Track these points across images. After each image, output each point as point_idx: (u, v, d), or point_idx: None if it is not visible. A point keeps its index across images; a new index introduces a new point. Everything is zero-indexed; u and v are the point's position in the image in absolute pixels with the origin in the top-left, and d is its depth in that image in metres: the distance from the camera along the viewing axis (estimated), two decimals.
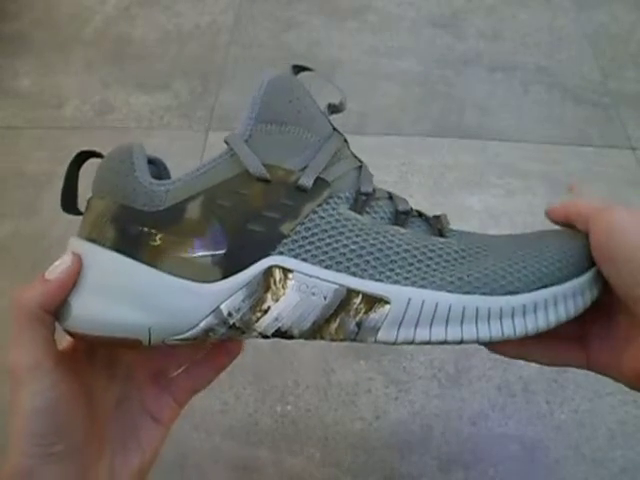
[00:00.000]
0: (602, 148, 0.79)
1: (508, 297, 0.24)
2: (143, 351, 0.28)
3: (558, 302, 0.25)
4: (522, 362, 0.59)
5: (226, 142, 0.26)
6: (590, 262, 0.25)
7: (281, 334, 0.25)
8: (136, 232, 0.25)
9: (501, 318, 0.24)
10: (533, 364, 0.61)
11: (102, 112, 0.86)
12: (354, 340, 0.25)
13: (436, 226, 0.27)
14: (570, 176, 0.75)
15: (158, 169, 0.30)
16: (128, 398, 0.28)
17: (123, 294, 0.24)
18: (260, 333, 0.25)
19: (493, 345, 0.28)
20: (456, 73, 0.88)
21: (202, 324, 0.24)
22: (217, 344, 0.30)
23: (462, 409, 0.57)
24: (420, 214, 0.28)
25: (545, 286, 0.24)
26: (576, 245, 0.26)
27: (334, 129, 0.28)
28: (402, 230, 0.26)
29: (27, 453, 0.22)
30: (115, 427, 0.27)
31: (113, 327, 0.24)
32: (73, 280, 0.25)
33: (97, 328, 0.24)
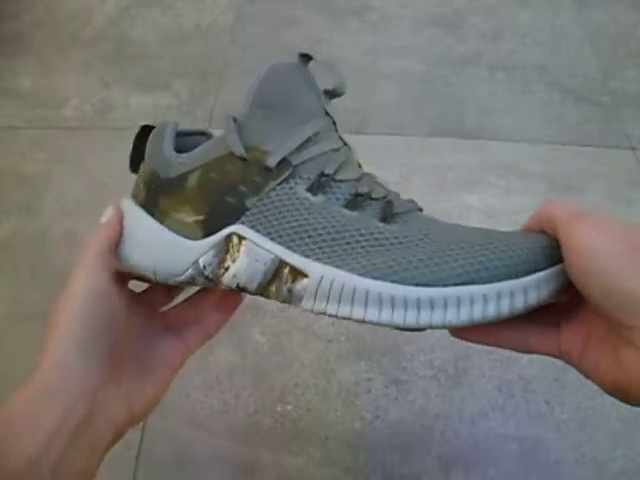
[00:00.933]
0: (602, 148, 0.79)
1: (417, 288, 0.24)
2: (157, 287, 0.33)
3: (475, 302, 0.24)
4: (522, 362, 0.60)
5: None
6: (535, 266, 0.24)
7: (240, 289, 0.28)
8: (155, 194, 0.31)
9: (406, 307, 0.25)
10: (533, 364, 0.61)
11: (102, 112, 0.86)
12: (291, 303, 0.28)
13: (385, 211, 0.28)
14: (570, 176, 0.75)
15: (197, 141, 0.33)
16: (147, 337, 0.31)
17: (140, 242, 0.31)
18: (227, 285, 0.29)
19: (457, 331, 0.28)
20: (456, 73, 0.88)
21: (187, 272, 0.29)
22: (223, 294, 0.33)
23: (462, 409, 0.57)
24: (384, 198, 0.29)
25: (464, 283, 0.24)
26: (525, 246, 0.25)
27: (326, 113, 0.31)
28: (348, 213, 0.27)
29: (64, 350, 0.24)
30: (134, 358, 0.29)
31: (134, 266, 0.31)
32: (119, 225, 0.31)
33: (126, 265, 0.31)
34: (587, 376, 0.25)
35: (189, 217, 0.29)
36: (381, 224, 0.27)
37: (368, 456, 0.55)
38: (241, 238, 0.28)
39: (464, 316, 0.24)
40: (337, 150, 0.30)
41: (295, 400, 0.58)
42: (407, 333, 0.47)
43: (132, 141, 0.37)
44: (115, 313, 0.27)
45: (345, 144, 0.31)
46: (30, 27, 0.99)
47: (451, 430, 0.56)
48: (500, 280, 0.24)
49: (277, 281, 0.27)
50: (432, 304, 0.24)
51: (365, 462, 0.54)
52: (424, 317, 0.25)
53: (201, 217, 0.29)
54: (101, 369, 0.25)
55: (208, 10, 1.00)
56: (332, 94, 0.32)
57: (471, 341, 0.28)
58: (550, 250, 0.25)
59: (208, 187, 0.29)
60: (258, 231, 0.28)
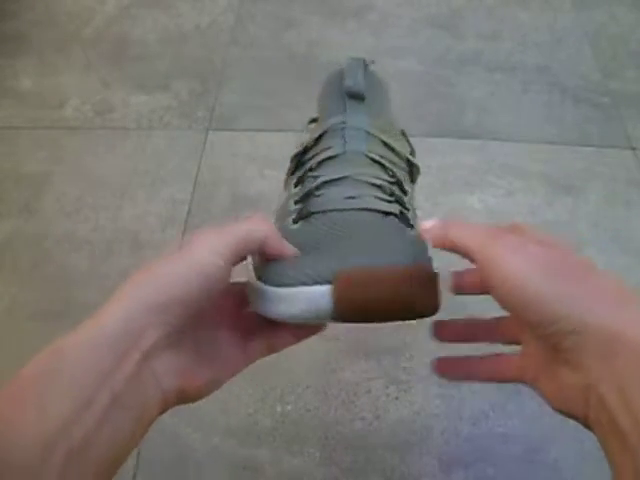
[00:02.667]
0: (602, 148, 0.79)
1: (272, 288, 0.27)
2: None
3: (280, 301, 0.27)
4: None
5: None
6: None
7: None
8: None
9: (271, 301, 0.27)
10: None
11: (102, 112, 0.86)
12: None
13: (301, 212, 0.30)
14: (570, 176, 0.75)
15: None
16: (218, 329, 0.29)
17: None
18: None
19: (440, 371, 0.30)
20: (456, 73, 0.88)
21: None
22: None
23: (462, 409, 0.57)
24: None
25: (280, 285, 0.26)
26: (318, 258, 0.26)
27: (343, 111, 0.33)
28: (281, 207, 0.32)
29: (139, 300, 0.22)
30: (199, 341, 0.27)
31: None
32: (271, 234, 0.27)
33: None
34: (542, 397, 0.26)
35: None
36: (290, 223, 0.30)
37: (368, 456, 0.55)
38: None
39: (283, 310, 0.27)
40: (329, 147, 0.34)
41: (295, 400, 0.58)
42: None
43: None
44: (208, 301, 0.25)
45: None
46: (30, 27, 0.99)
47: (451, 430, 0.56)
48: (293, 286, 0.26)
49: None
50: (276, 300, 0.27)
51: (365, 462, 0.54)
52: (274, 309, 0.27)
53: None
54: (162, 336, 0.23)
55: (208, 10, 1.00)
56: (352, 94, 0.34)
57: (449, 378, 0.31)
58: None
59: None
60: None
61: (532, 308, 0.21)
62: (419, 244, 0.28)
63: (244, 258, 0.27)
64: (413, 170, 0.34)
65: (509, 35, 0.94)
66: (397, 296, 0.25)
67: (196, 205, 0.73)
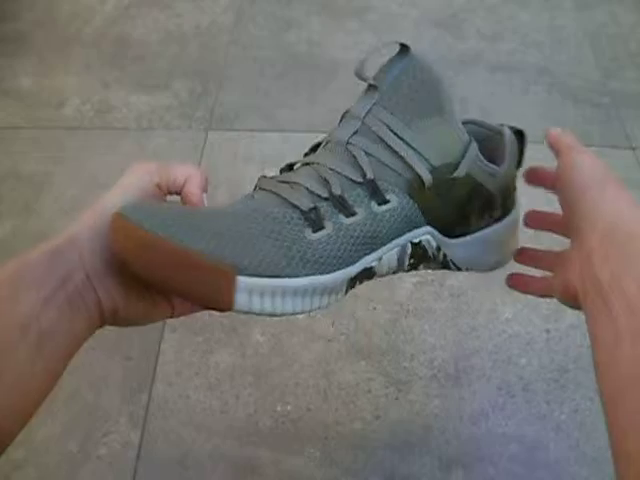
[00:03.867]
0: (602, 148, 0.79)
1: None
2: None
3: None
4: (522, 362, 0.60)
5: None
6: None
7: None
8: None
9: None
10: (533, 364, 0.61)
11: (102, 112, 0.86)
12: None
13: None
14: None
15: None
16: None
17: None
18: None
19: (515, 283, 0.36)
20: (456, 73, 0.88)
21: None
22: None
23: (462, 409, 0.57)
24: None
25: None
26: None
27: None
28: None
29: (84, 223, 0.27)
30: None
31: None
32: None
33: None
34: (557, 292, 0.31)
35: None
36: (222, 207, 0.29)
37: (368, 456, 0.55)
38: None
39: None
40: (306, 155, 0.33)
41: (295, 400, 0.58)
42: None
43: None
44: None
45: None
46: (30, 27, 0.99)
47: (451, 430, 0.56)
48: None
49: None
50: None
51: (365, 462, 0.54)
52: None
53: None
54: (102, 260, 0.27)
55: (208, 10, 1.00)
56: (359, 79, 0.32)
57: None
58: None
59: None
60: None
61: (572, 190, 0.28)
62: (281, 247, 0.26)
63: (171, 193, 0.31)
64: (415, 186, 0.29)
65: (509, 35, 0.94)
66: (166, 274, 0.25)
67: None
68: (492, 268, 0.36)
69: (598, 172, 0.29)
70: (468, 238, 0.33)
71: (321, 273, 0.27)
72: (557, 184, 0.31)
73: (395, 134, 0.28)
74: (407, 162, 0.28)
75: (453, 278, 0.65)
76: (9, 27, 0.99)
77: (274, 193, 0.28)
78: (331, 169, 0.28)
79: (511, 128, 0.34)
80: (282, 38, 0.94)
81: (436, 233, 0.31)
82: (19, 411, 0.25)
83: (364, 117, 0.29)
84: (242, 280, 0.25)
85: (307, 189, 0.28)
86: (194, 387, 0.59)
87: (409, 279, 0.65)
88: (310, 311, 0.27)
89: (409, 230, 0.30)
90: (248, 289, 0.25)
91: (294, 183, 0.28)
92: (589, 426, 0.55)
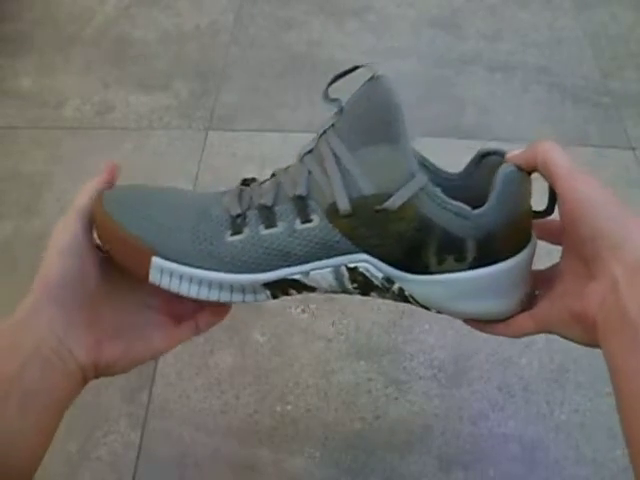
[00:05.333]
0: (602, 148, 0.79)
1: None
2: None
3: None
4: (522, 362, 0.60)
5: None
6: None
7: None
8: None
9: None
10: (533, 364, 0.61)
11: (102, 112, 0.86)
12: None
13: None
14: None
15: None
16: (132, 309, 0.34)
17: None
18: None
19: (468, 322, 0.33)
20: (456, 73, 0.88)
21: None
22: None
23: (462, 409, 0.57)
24: None
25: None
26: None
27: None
28: None
29: (41, 292, 0.28)
30: (115, 320, 0.32)
31: None
32: (108, 175, 0.35)
33: None
34: (547, 329, 0.30)
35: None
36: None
37: (368, 456, 0.55)
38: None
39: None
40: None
41: (295, 400, 0.58)
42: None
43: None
44: (85, 268, 0.30)
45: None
46: (30, 27, 0.99)
47: (451, 430, 0.56)
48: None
49: None
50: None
51: (365, 462, 0.54)
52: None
53: None
54: (70, 314, 0.28)
55: (208, 10, 1.00)
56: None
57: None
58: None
59: None
60: None
61: (590, 223, 0.26)
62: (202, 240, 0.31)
63: None
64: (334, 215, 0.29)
65: (509, 35, 0.94)
66: (113, 246, 0.31)
67: None
68: (477, 318, 0.32)
69: (611, 203, 0.26)
70: (430, 277, 0.29)
71: (225, 271, 0.30)
72: (563, 218, 0.28)
73: (336, 158, 0.29)
74: (332, 186, 0.28)
75: None
76: (9, 27, 0.99)
77: (232, 195, 0.32)
78: (279, 182, 0.31)
79: (517, 166, 0.29)
80: (282, 38, 0.94)
81: (381, 264, 0.29)
82: (16, 470, 0.25)
83: (318, 138, 0.30)
84: (155, 260, 0.30)
85: (249, 197, 0.31)
86: (194, 387, 0.59)
87: None
88: (219, 301, 0.31)
89: (336, 254, 0.29)
90: (159, 268, 0.30)
91: (247, 189, 0.32)
92: (589, 426, 0.55)
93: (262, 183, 0.32)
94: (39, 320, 0.27)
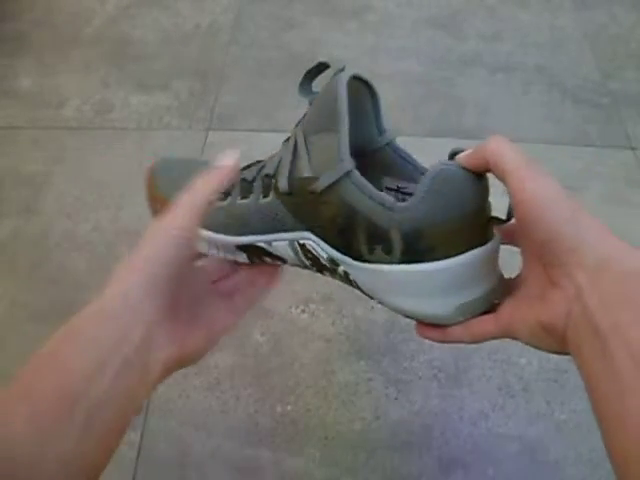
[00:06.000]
0: (602, 148, 0.79)
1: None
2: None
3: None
4: (522, 362, 0.60)
5: None
6: None
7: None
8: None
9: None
10: (533, 364, 0.61)
11: (102, 112, 0.86)
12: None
13: None
14: (570, 176, 0.75)
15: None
16: (202, 294, 0.33)
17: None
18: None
19: (421, 331, 0.32)
20: (456, 73, 0.88)
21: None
22: (263, 267, 0.37)
23: (462, 409, 0.57)
24: None
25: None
26: None
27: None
28: None
29: (132, 280, 0.26)
30: (190, 308, 0.31)
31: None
32: (231, 174, 0.33)
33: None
34: (511, 335, 0.28)
35: None
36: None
37: (368, 456, 0.55)
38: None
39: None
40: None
41: (295, 400, 0.58)
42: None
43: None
44: (185, 262, 0.29)
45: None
46: (30, 27, 0.99)
47: (451, 430, 0.56)
48: None
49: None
50: None
51: (365, 462, 0.54)
52: None
53: None
54: (160, 307, 0.26)
55: (208, 10, 1.00)
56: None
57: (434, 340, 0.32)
58: None
59: None
60: None
61: (543, 227, 0.25)
62: None
63: None
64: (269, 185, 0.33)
65: (509, 35, 0.94)
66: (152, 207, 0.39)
67: None
68: (414, 317, 0.31)
69: (564, 202, 0.25)
70: (365, 265, 0.30)
71: (213, 231, 0.35)
72: (517, 221, 0.26)
73: (295, 144, 0.31)
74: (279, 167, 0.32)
75: None
76: (9, 27, 0.99)
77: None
78: (264, 163, 0.35)
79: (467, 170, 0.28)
80: (282, 38, 0.94)
81: (324, 245, 0.31)
82: None
83: (294, 127, 0.33)
84: None
85: (245, 172, 0.35)
86: (194, 387, 0.59)
87: None
88: (208, 254, 0.36)
89: (286, 229, 0.32)
90: None
91: (252, 166, 0.36)
92: (588, 426, 0.55)
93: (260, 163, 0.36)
94: (124, 313, 0.25)
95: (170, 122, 0.84)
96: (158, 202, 0.37)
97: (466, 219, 0.27)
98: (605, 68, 0.89)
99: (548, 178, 0.25)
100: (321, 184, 0.28)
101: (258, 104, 0.85)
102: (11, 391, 0.23)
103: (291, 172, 0.30)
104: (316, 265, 0.33)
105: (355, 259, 0.30)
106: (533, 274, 0.27)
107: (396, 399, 0.58)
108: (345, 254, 0.30)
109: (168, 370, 0.27)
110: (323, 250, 0.31)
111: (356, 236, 0.29)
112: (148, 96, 0.87)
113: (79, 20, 0.99)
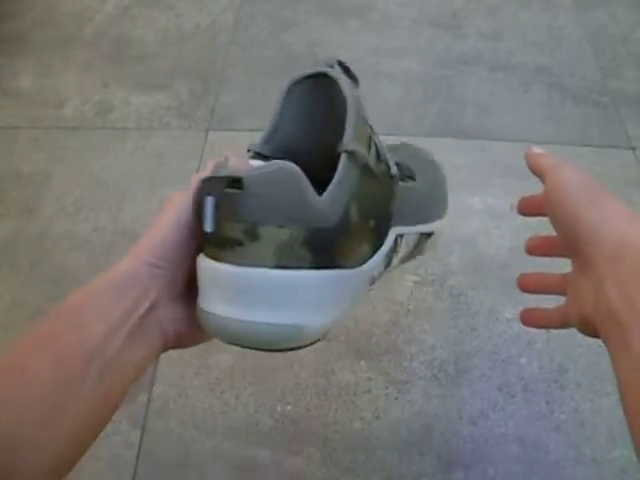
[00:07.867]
0: (602, 148, 0.79)
1: None
2: None
3: None
4: (522, 362, 0.60)
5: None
6: None
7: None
8: (330, 246, 0.28)
9: None
10: (533, 364, 0.61)
11: (102, 112, 0.86)
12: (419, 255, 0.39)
13: None
14: None
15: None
16: None
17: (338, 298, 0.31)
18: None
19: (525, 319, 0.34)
20: (456, 73, 0.88)
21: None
22: None
23: (462, 409, 0.57)
24: None
25: None
26: None
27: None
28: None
29: (140, 259, 0.27)
30: (190, 294, 0.31)
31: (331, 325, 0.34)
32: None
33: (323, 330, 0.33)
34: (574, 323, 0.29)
35: (367, 246, 0.30)
36: None
37: (368, 456, 0.55)
38: (401, 236, 0.34)
39: None
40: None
41: (295, 400, 0.58)
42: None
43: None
44: (193, 246, 0.29)
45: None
46: (30, 27, 0.99)
47: (451, 430, 0.56)
48: None
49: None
50: None
51: (365, 462, 0.54)
52: None
53: (372, 238, 0.31)
54: (164, 284, 0.28)
55: (208, 10, 1.00)
56: None
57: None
58: None
59: (368, 213, 0.29)
60: (404, 224, 0.34)
61: (567, 209, 0.26)
62: None
63: None
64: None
65: (509, 35, 0.94)
66: None
67: None
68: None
69: (590, 188, 0.27)
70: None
71: None
72: (547, 209, 0.28)
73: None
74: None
75: (453, 278, 0.65)
76: (9, 27, 0.99)
77: None
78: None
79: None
80: (282, 38, 0.94)
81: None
82: (80, 442, 0.25)
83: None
84: None
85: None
86: (194, 387, 0.59)
87: (410, 278, 0.65)
88: None
89: None
90: None
91: None
92: (589, 426, 0.55)
93: None
94: (136, 283, 0.26)
95: (170, 122, 0.84)
96: None
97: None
98: (605, 68, 0.88)
99: (583, 172, 0.28)
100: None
101: (258, 104, 0.85)
102: (35, 337, 0.24)
103: None
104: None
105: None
106: (573, 266, 0.29)
107: (396, 399, 0.58)
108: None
109: (167, 345, 0.29)
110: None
111: None
112: (148, 96, 0.87)
113: (79, 20, 0.99)
